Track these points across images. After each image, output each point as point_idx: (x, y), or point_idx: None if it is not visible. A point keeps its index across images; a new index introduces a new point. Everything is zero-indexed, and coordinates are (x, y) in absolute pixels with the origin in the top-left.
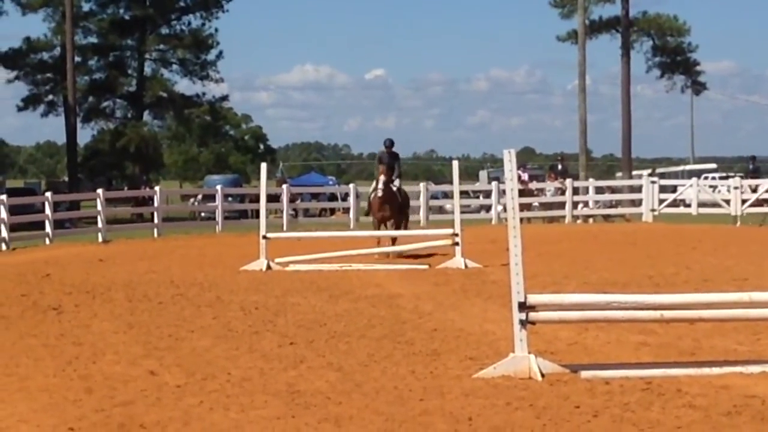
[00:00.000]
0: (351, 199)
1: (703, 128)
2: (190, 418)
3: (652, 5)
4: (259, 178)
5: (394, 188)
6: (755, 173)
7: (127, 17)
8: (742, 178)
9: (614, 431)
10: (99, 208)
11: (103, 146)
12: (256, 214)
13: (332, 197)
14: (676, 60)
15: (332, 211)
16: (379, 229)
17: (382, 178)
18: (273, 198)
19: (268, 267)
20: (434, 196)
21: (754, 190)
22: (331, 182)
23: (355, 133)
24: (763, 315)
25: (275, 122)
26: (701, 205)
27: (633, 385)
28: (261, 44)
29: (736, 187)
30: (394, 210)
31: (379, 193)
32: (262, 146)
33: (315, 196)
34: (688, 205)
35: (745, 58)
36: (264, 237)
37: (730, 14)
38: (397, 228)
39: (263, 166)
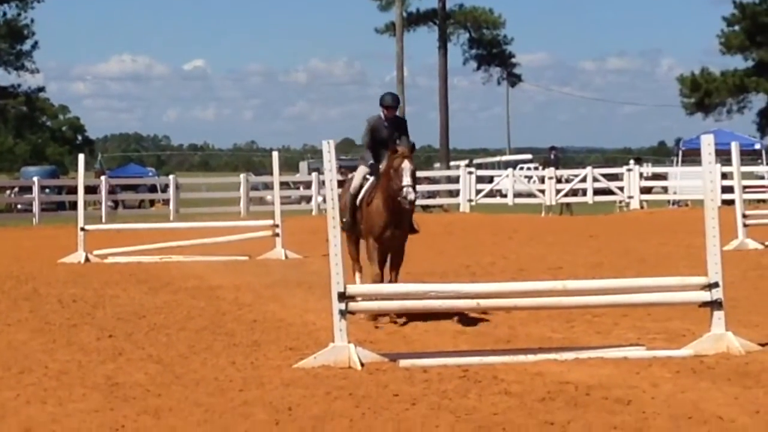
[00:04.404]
0: (171, 190)
1: (518, 119)
2: (5, 411)
3: None
4: (77, 170)
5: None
6: (554, 164)
7: None
8: (539, 168)
9: (432, 419)
10: None
11: None
12: (74, 205)
13: (152, 189)
14: (492, 52)
15: (152, 202)
16: (383, 259)
17: (407, 165)
18: (91, 189)
19: (87, 259)
20: (254, 187)
21: (567, 180)
22: (150, 174)
23: (175, 124)
24: (577, 303)
25: (93, 113)
26: (517, 195)
27: (451, 372)
28: (78, 34)
29: (550, 177)
30: (407, 226)
31: (410, 196)
32: (80, 137)
33: (134, 188)
34: (505, 196)
35: (559, 50)
36: (82, 229)
37: (545, 7)
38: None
39: (81, 157)
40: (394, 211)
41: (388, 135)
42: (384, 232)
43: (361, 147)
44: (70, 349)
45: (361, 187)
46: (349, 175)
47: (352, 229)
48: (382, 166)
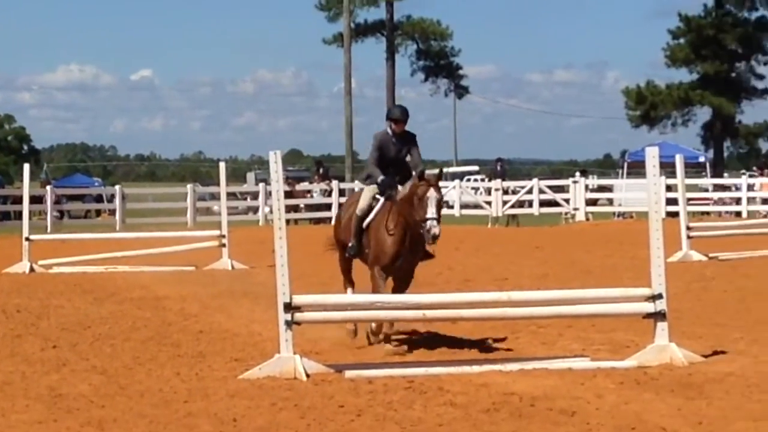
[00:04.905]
0: (117, 200)
1: (465, 131)
2: None
3: (416, 9)
4: (22, 180)
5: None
6: (501, 175)
7: None
8: (486, 179)
9: (377, 430)
10: None
11: None
12: (19, 215)
13: (98, 199)
14: (439, 64)
15: (98, 212)
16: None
17: (433, 194)
18: (37, 199)
19: (32, 269)
20: (201, 198)
21: (513, 192)
22: (96, 184)
23: (122, 135)
24: (522, 314)
25: (39, 123)
26: (464, 206)
27: (396, 384)
28: (23, 43)
29: (497, 189)
30: (419, 255)
31: (434, 230)
32: (25, 147)
33: (80, 198)
34: (452, 207)
35: (506, 62)
36: (27, 239)
37: (492, 19)
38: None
39: (26, 167)
40: (410, 241)
41: (395, 152)
42: (394, 263)
43: (306, 158)
44: (13, 360)
45: (369, 208)
46: (355, 191)
47: (358, 254)
48: (401, 189)
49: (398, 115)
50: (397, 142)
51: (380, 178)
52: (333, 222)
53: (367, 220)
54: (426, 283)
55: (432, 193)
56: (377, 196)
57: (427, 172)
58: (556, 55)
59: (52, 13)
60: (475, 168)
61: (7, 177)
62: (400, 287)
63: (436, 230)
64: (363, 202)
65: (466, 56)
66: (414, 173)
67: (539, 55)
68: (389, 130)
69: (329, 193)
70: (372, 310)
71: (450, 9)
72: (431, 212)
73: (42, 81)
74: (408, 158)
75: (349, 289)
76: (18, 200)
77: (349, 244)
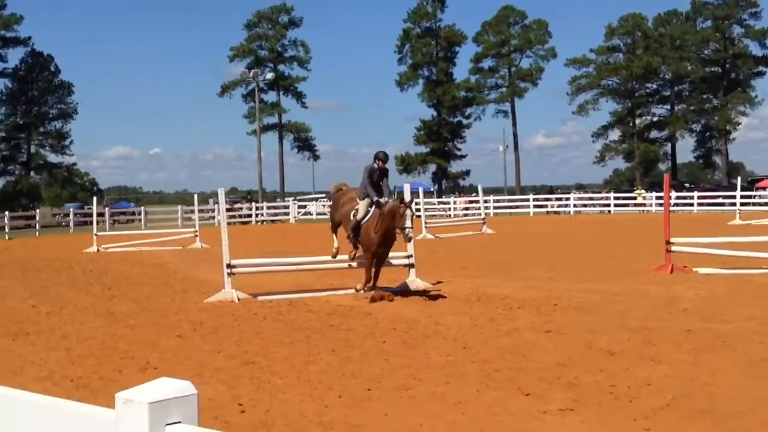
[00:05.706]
0: (142, 214)
1: (319, 179)
2: (53, 329)
3: (294, 116)
4: (93, 205)
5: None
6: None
7: (21, 122)
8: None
9: (273, 326)
10: (6, 221)
11: (8, 189)
12: (91, 223)
13: (133, 213)
14: (305, 144)
15: (132, 221)
16: (370, 261)
17: (408, 212)
18: (101, 215)
19: (98, 250)
20: (186, 213)
21: None
22: (132, 206)
23: (145, 181)
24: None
25: (103, 176)
26: (319, 214)
27: (283, 302)
28: (94, 134)
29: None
30: (390, 247)
31: (410, 234)
32: (95, 188)
33: (124, 213)
34: (311, 214)
35: (339, 143)
36: (95, 234)
37: (333, 119)
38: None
39: (95, 198)
40: (386, 239)
41: (378, 178)
42: (378, 249)
43: (240, 191)
44: (87, 296)
45: (366, 213)
46: (355, 203)
47: (356, 237)
48: (384, 204)
49: (382, 157)
50: (379, 173)
51: (375, 198)
52: (330, 210)
53: (364, 221)
54: (305, 251)
55: (408, 212)
56: (369, 209)
57: (408, 198)
58: (365, 139)
59: (109, 117)
60: (323, 195)
61: (87, 203)
62: (379, 263)
63: (411, 234)
64: (362, 211)
65: (318, 140)
66: (392, 196)
67: (357, 138)
68: (375, 165)
69: (251, 209)
70: (273, 266)
71: (312, 116)
72: (408, 223)
73: (103, 155)
74: (382, 183)
75: (335, 238)
76: (90, 215)
77: (349, 233)
